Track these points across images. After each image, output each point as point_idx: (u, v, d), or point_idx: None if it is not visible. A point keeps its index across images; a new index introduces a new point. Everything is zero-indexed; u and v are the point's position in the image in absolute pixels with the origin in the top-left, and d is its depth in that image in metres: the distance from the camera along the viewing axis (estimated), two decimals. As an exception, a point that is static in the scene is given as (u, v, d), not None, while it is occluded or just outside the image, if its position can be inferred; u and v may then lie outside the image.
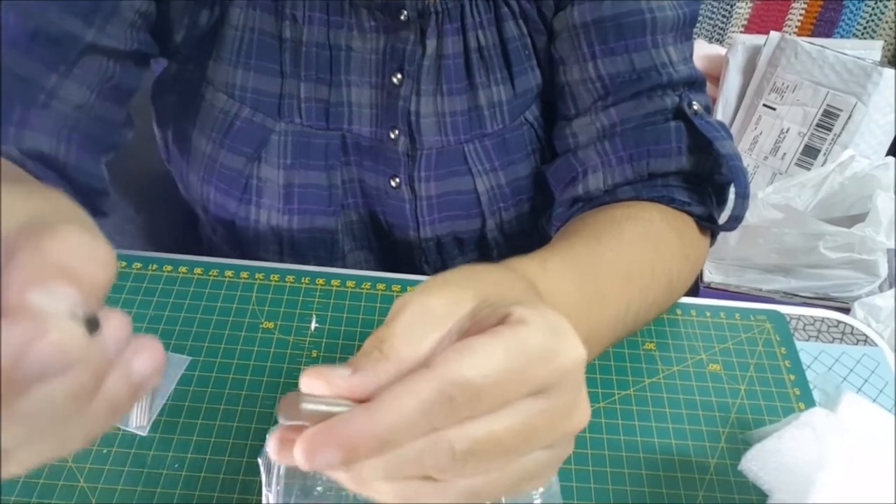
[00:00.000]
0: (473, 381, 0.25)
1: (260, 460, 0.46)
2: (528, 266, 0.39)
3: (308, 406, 0.24)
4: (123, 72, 0.53)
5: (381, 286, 0.58)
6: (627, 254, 0.49)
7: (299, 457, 0.24)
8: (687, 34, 0.57)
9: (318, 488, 0.45)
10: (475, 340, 0.26)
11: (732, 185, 0.56)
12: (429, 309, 0.29)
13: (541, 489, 0.45)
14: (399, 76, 0.57)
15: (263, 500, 0.44)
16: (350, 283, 0.58)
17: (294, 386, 0.51)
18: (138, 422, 0.48)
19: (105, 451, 0.47)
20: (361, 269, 0.67)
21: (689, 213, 0.56)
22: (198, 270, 0.58)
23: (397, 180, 0.61)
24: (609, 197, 0.56)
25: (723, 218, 0.58)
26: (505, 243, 0.66)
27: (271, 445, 0.26)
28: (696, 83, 0.57)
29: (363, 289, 0.58)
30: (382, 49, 0.57)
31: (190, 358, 0.52)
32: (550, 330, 0.27)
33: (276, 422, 0.48)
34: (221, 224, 0.65)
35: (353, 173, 0.62)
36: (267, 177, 0.60)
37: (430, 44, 0.57)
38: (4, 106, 0.47)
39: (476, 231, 0.64)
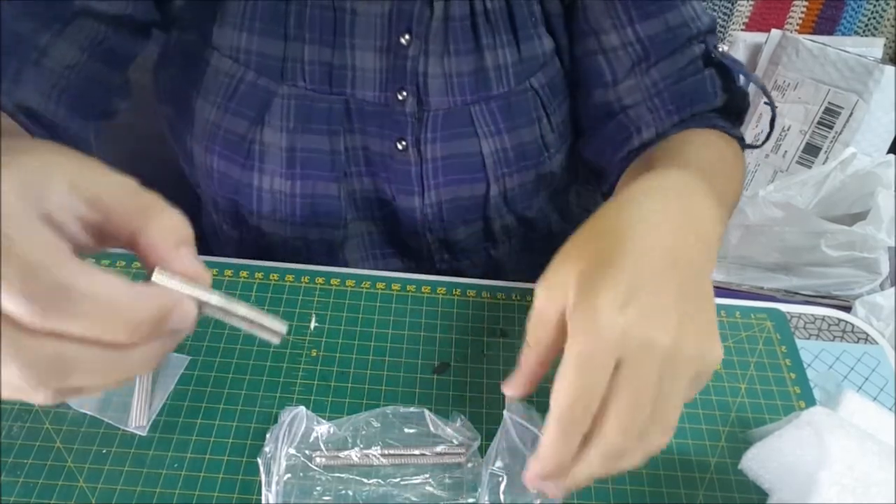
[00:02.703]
0: (570, 408, 0.36)
1: (259, 460, 0.46)
2: (651, 178, 0.44)
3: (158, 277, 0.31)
4: (117, 36, 0.56)
5: (380, 285, 0.58)
6: (711, 159, 0.57)
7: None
8: None
9: (318, 488, 0.45)
10: (557, 376, 0.36)
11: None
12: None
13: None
14: (407, 37, 0.58)
15: (263, 500, 0.44)
16: (350, 283, 0.58)
17: (294, 385, 0.51)
18: (137, 422, 0.48)
19: (104, 450, 0.47)
20: (363, 239, 0.68)
21: (731, 136, 0.62)
22: (197, 270, 0.58)
23: (404, 143, 0.61)
24: (661, 139, 0.61)
25: None
26: (508, 213, 0.67)
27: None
28: (713, 29, 0.63)
29: (363, 288, 0.58)
30: (388, 12, 0.58)
31: (189, 357, 0.52)
32: (585, 326, 0.36)
33: (275, 421, 0.48)
34: (224, 197, 0.65)
35: (356, 141, 0.62)
36: (270, 141, 0.60)
37: (438, 6, 0.58)
38: (2, 61, 0.50)
39: (480, 197, 0.65)
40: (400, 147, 0.61)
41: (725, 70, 0.62)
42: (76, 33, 0.53)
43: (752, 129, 1.34)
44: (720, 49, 0.63)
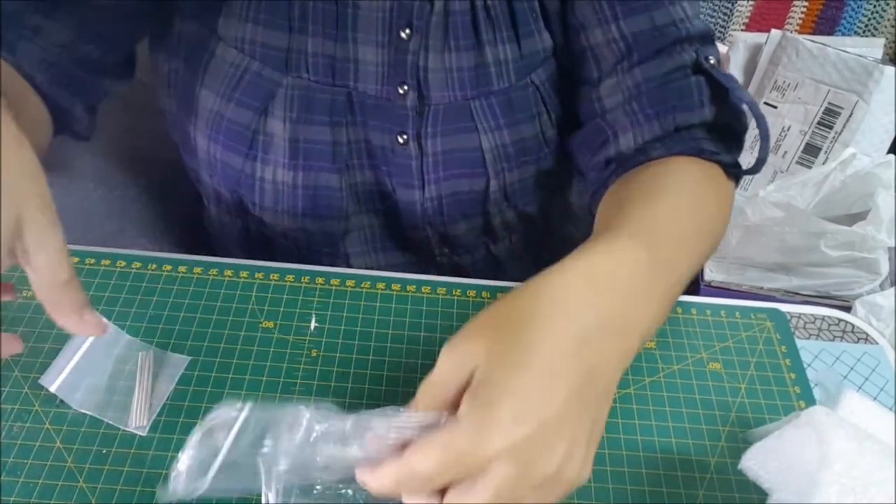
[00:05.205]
0: (420, 473, 0.35)
1: (260, 460, 0.46)
2: (593, 253, 0.44)
3: None
4: (112, 20, 0.57)
5: (380, 285, 0.58)
6: (681, 213, 0.52)
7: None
8: None
9: (318, 487, 0.45)
10: (424, 441, 0.36)
11: (750, 132, 0.59)
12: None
13: None
14: (408, 31, 0.59)
15: (263, 500, 0.44)
16: (350, 283, 0.58)
17: (294, 385, 0.51)
18: (138, 422, 0.48)
19: (104, 451, 0.47)
20: (364, 232, 0.68)
21: (719, 162, 0.58)
22: (197, 270, 0.58)
23: (405, 137, 0.61)
24: (641, 156, 0.57)
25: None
26: (508, 208, 0.67)
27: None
28: (707, 37, 0.60)
29: (363, 288, 0.58)
30: (389, 7, 0.58)
31: (189, 358, 0.52)
32: (476, 427, 0.35)
33: (275, 421, 0.48)
34: (227, 189, 0.65)
35: (358, 133, 0.62)
36: (273, 131, 0.61)
37: (438, 3, 0.58)
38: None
39: (480, 192, 0.65)
40: (401, 141, 0.62)
41: (716, 83, 0.58)
42: (66, 18, 0.54)
43: (753, 129, 1.34)
44: (712, 61, 0.59)
